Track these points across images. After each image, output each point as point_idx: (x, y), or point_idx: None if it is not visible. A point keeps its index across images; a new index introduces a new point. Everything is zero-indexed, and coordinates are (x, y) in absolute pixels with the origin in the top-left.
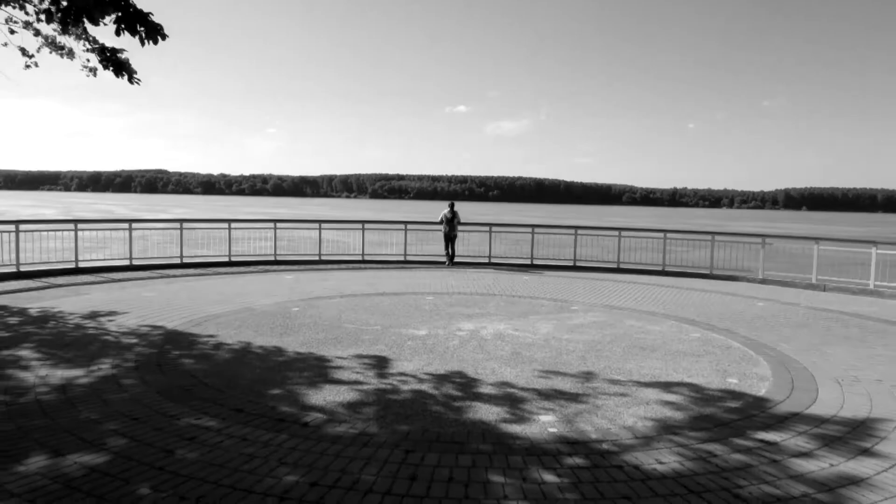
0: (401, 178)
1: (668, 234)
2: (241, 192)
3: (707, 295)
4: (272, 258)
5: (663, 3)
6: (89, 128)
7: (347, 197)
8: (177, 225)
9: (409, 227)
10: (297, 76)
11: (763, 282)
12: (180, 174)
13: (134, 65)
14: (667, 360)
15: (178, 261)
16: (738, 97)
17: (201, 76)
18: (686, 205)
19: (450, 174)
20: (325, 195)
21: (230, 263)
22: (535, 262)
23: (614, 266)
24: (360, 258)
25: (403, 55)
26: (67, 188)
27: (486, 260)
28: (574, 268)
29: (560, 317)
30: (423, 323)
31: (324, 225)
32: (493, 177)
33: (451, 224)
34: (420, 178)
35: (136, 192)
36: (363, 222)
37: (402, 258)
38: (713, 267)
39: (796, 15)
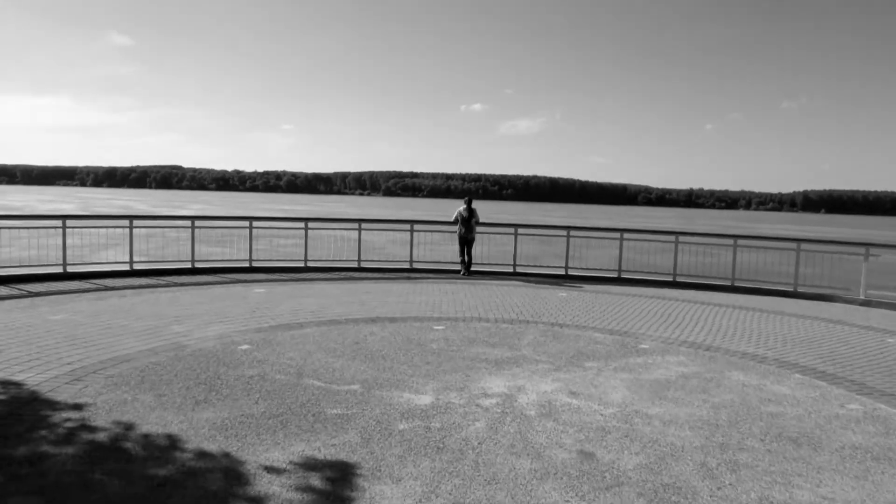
0: (414, 175)
1: (739, 241)
2: (254, 189)
3: (807, 323)
4: (246, 264)
5: (680, 6)
6: (104, 123)
7: (361, 194)
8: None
9: (416, 227)
10: (313, 73)
11: (866, 304)
12: (195, 170)
13: (149, 59)
14: (856, 476)
15: (127, 267)
16: (756, 98)
17: (216, 72)
18: (702, 206)
19: (464, 172)
20: (339, 192)
21: (193, 271)
22: (571, 271)
23: (669, 278)
24: (355, 265)
25: (420, 53)
26: (83, 183)
27: (511, 268)
28: (619, 280)
29: (630, 364)
30: (428, 378)
31: (311, 224)
32: (507, 175)
33: (468, 224)
34: (434, 175)
35: (150, 187)
36: (359, 221)
37: (407, 265)
38: (797, 283)
39: (815, 15)
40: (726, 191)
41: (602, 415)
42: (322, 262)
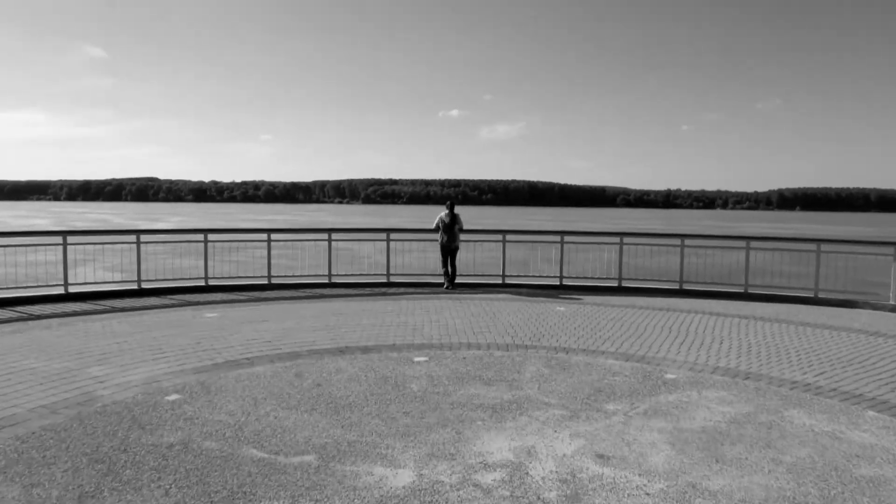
0: (393, 182)
1: (752, 243)
2: (232, 199)
3: (843, 337)
4: (202, 283)
5: (655, 8)
6: (79, 137)
7: (340, 202)
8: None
9: (393, 236)
10: (291, 82)
11: None
12: (171, 181)
13: (123, 71)
14: None
15: (61, 290)
16: (730, 99)
17: (193, 83)
18: (680, 206)
19: (443, 178)
20: (318, 201)
21: (139, 293)
22: (566, 281)
23: (675, 286)
24: (325, 280)
25: (398, 60)
26: (57, 198)
27: (500, 279)
28: (620, 289)
29: (663, 405)
30: (408, 438)
31: (275, 236)
32: (486, 180)
33: (451, 232)
34: (413, 182)
35: (126, 200)
36: (329, 231)
37: (384, 279)
38: (818, 288)
39: (788, 18)
40: (703, 190)
41: (648, 493)
42: (289, 278)
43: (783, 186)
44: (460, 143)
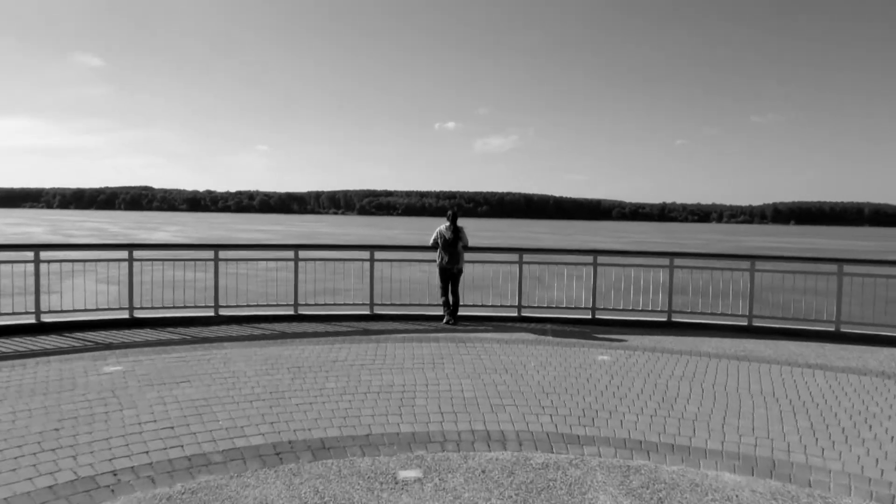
0: (389, 194)
1: (846, 267)
2: (227, 209)
3: None
4: (125, 315)
5: (650, 22)
6: (74, 146)
7: (335, 213)
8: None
9: (378, 254)
10: (288, 93)
11: None
12: (165, 191)
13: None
14: None
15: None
16: (726, 114)
17: (190, 93)
18: (675, 219)
19: (438, 190)
20: (313, 212)
21: (34, 329)
22: (600, 313)
23: (743, 321)
24: (291, 312)
25: (394, 72)
26: (50, 205)
27: (515, 311)
28: (670, 325)
29: None
30: None
31: (224, 253)
32: (482, 192)
33: (452, 250)
34: (408, 193)
35: (120, 209)
36: (296, 247)
37: (366, 310)
38: None
39: (782, 33)
40: (698, 204)
41: None
42: (242, 308)
43: (777, 200)
44: (455, 156)
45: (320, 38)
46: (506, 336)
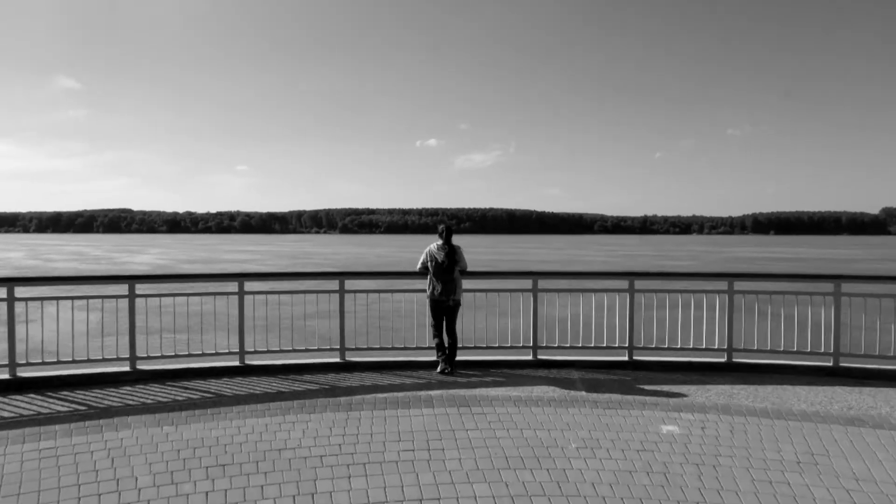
0: (371, 212)
1: None
2: (207, 230)
3: None
4: (4, 370)
5: (627, 37)
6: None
7: (317, 232)
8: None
9: (349, 283)
10: (267, 112)
11: None
12: (144, 213)
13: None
14: None
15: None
16: (702, 126)
17: (169, 114)
18: (657, 232)
19: (420, 207)
20: (295, 231)
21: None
22: (638, 353)
23: (826, 361)
24: (236, 363)
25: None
26: (26, 230)
27: (529, 353)
28: (731, 367)
29: None
30: None
31: (141, 286)
32: (464, 209)
33: (448, 276)
34: (390, 211)
35: (98, 232)
36: (241, 276)
37: (335, 356)
38: None
39: (757, 45)
40: (679, 216)
41: None
42: (169, 361)
43: (757, 211)
44: (437, 172)
45: (299, 58)
46: (524, 392)
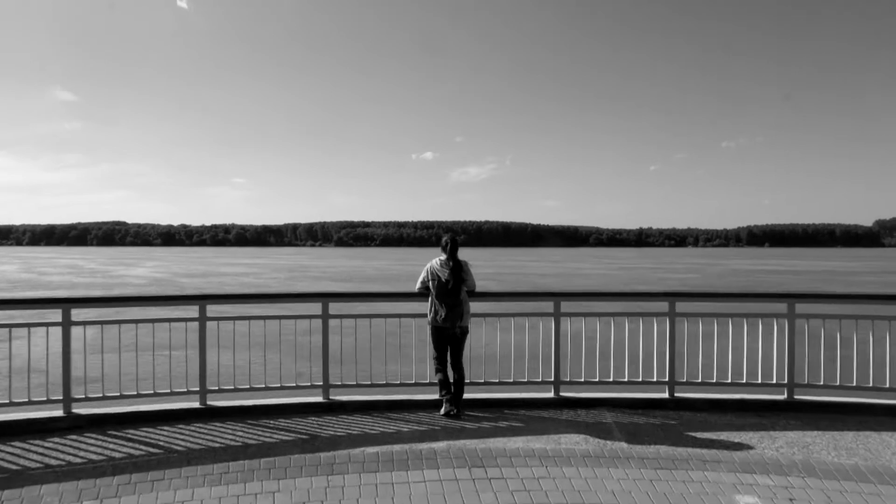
0: (366, 224)
1: None
2: (202, 243)
3: None
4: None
5: (621, 50)
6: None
7: (312, 245)
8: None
9: (333, 305)
10: (265, 126)
11: None
12: (139, 225)
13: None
14: None
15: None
16: (697, 139)
17: (166, 127)
18: (652, 244)
19: (416, 220)
20: (290, 244)
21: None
22: (680, 390)
23: None
24: (196, 405)
25: (371, 103)
26: (19, 242)
27: (550, 390)
28: (792, 406)
29: None
30: None
31: (79, 312)
32: (459, 222)
33: (452, 300)
34: (386, 224)
35: (92, 244)
36: (202, 298)
37: (319, 396)
38: None
39: (751, 58)
40: (674, 228)
41: None
42: (114, 404)
43: (751, 223)
44: (433, 186)
45: (296, 69)
46: (549, 444)
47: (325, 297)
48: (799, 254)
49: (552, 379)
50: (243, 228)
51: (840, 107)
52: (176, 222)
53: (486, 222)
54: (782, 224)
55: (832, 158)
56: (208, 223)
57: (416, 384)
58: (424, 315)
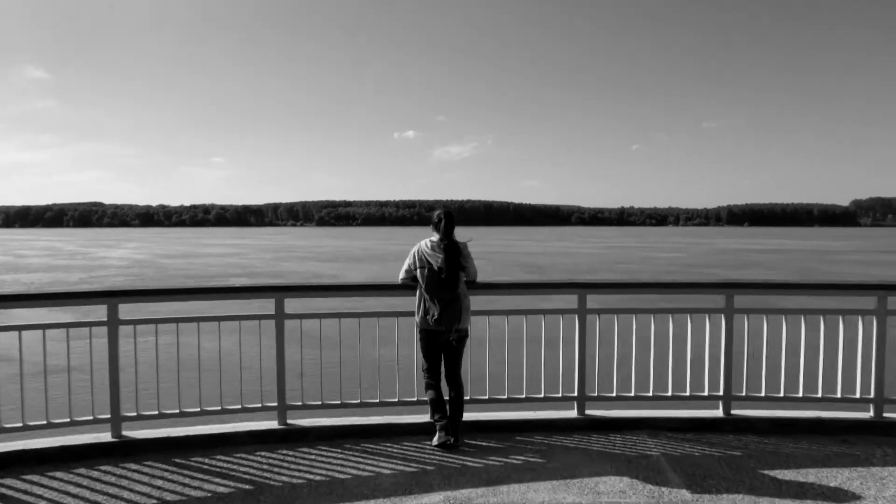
0: (348, 204)
1: None
2: (181, 224)
3: None
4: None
5: (603, 31)
6: (19, 161)
7: (293, 225)
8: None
9: (289, 302)
10: (244, 105)
11: None
12: (116, 206)
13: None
14: None
15: None
16: (679, 119)
17: (142, 106)
18: (634, 223)
19: (398, 199)
20: (271, 224)
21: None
22: (738, 406)
23: None
24: (109, 438)
25: (353, 82)
26: None
27: (574, 408)
28: (882, 426)
29: None
30: None
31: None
32: (441, 201)
33: (448, 293)
34: (367, 203)
35: (68, 226)
36: (113, 295)
37: (273, 422)
38: None
39: (732, 40)
40: (655, 208)
41: None
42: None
43: (731, 203)
44: (415, 165)
45: (276, 50)
46: (584, 496)
47: (278, 290)
48: (782, 233)
49: (575, 394)
50: (223, 208)
51: (820, 89)
52: (154, 202)
53: (468, 201)
54: (761, 203)
55: (811, 139)
56: (187, 203)
57: (400, 402)
58: (412, 314)
